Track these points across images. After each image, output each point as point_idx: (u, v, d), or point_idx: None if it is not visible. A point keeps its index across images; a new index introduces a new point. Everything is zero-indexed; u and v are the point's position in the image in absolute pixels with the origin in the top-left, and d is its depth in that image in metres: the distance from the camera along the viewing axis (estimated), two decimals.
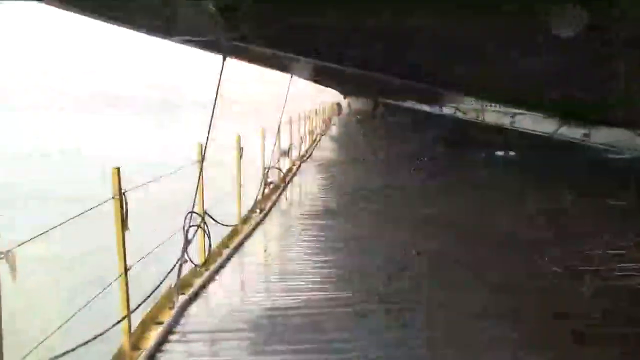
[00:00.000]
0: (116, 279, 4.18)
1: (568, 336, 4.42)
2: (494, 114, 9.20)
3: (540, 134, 6.77)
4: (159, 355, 4.15)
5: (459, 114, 10.87)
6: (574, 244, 6.76)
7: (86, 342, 3.57)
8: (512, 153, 15.59)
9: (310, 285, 5.67)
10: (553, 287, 5.55)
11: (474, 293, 5.21)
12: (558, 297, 5.31)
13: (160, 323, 4.72)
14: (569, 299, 5.22)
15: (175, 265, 5.20)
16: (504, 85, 4.29)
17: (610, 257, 6.21)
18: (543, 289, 5.51)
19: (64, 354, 3.43)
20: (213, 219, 6.35)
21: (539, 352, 4.20)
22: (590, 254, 6.31)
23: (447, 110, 14.46)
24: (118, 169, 4.16)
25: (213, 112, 5.72)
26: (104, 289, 4.11)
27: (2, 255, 2.90)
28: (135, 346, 4.31)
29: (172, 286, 5.21)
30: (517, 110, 7.67)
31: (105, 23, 6.39)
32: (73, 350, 3.49)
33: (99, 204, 4.05)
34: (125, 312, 4.20)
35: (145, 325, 4.69)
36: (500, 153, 15.66)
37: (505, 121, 8.32)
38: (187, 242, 5.33)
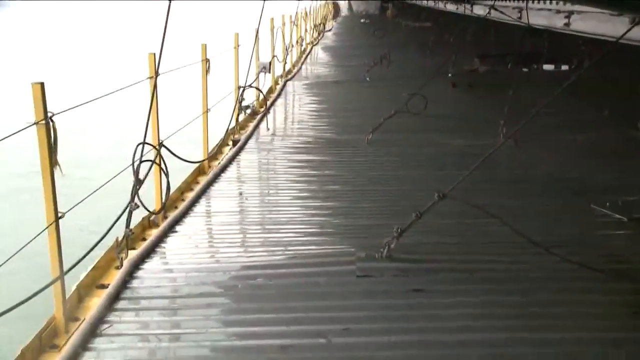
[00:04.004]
0: (44, 229, 4.13)
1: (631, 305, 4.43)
2: (541, 14, 8.99)
3: (604, 38, 6.55)
4: (102, 327, 4.14)
5: (495, 15, 10.65)
6: None
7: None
8: (565, 67, 15.42)
9: (299, 238, 5.67)
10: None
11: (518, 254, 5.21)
12: (620, 251, 5.34)
13: (104, 287, 4.72)
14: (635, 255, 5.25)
15: (123, 213, 5.15)
16: None
17: None
18: (603, 242, 5.54)
19: None
20: (172, 153, 6.28)
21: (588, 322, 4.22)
22: None
23: (479, 10, 14.18)
24: (42, 84, 4.03)
25: (168, 11, 5.54)
26: (29, 242, 4.06)
27: None
28: (72, 316, 4.31)
29: (120, 239, 5.18)
30: (574, 7, 7.44)
31: None
32: None
33: (16, 132, 3.95)
34: (57, 273, 4.16)
35: (84, 290, 4.69)
36: (549, 67, 15.49)
37: (558, 22, 8.12)
38: (138, 181, 5.26)
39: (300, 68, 17.98)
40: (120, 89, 5.70)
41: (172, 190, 6.28)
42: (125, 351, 3.93)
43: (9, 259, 3.92)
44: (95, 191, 5.01)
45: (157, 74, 5.90)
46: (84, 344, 3.92)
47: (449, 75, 14.44)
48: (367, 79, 15.09)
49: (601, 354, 3.85)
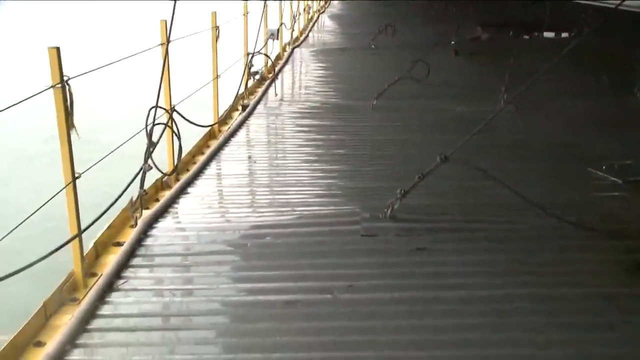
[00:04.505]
0: (62, 189, 4.15)
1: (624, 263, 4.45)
2: None
3: (604, 5, 6.44)
4: (118, 282, 4.19)
5: None
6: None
7: (21, 270, 3.60)
8: (565, 34, 15.27)
9: (306, 199, 5.69)
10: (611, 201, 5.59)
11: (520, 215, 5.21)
12: (615, 211, 5.35)
13: (120, 244, 4.76)
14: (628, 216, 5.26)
15: (137, 174, 5.17)
16: None
17: None
18: (598, 203, 5.54)
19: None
20: (183, 117, 6.27)
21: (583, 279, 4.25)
22: None
23: None
24: (57, 49, 4.02)
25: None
26: (47, 201, 4.09)
27: None
28: (90, 271, 4.36)
29: (134, 199, 5.20)
30: None
31: None
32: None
33: (33, 95, 3.95)
34: (75, 231, 4.20)
35: (101, 247, 4.74)
36: (549, 34, 15.34)
37: None
38: (152, 144, 5.27)
39: (308, 35, 17.84)
40: (133, 55, 5.67)
41: (183, 154, 6.29)
42: (140, 305, 3.98)
43: (28, 217, 3.95)
44: (110, 153, 5.02)
45: (168, 40, 5.88)
46: (101, 298, 3.98)
47: (452, 43, 14.32)
48: (372, 46, 14.99)
49: (595, 309, 3.88)
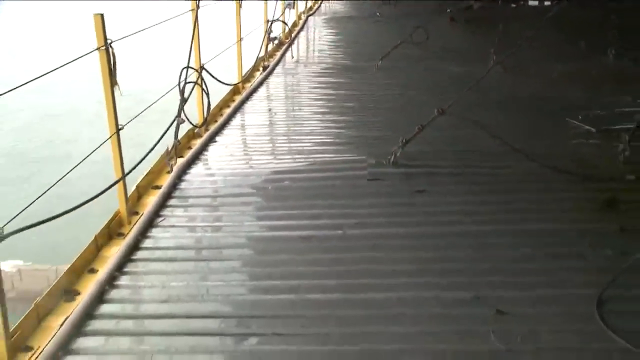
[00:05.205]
0: (107, 139, 4.15)
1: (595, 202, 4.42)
2: None
3: None
4: (157, 220, 4.23)
5: None
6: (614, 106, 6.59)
7: (74, 208, 3.61)
8: (547, 2, 14.93)
9: (319, 147, 5.67)
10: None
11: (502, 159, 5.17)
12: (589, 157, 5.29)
13: (158, 187, 4.78)
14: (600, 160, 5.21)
15: (171, 125, 5.15)
16: None
17: None
18: (575, 149, 5.49)
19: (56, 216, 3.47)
20: (211, 75, 6.21)
21: (559, 216, 4.23)
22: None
23: None
24: (102, 15, 3.97)
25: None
26: (94, 150, 4.10)
27: None
28: (133, 211, 4.39)
29: (170, 148, 5.20)
30: None
31: None
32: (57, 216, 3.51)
33: (81, 56, 3.91)
34: (119, 175, 4.22)
35: (142, 190, 4.76)
36: (534, 2, 15.01)
37: None
38: (184, 99, 5.24)
39: (320, 5, 17.49)
40: (166, 20, 5.60)
41: (212, 107, 6.26)
42: (176, 239, 4.02)
43: (76, 165, 3.95)
44: (148, 107, 4.99)
45: (197, 6, 5.80)
46: (143, 233, 4.02)
47: (448, 11, 14.03)
48: (378, 14, 14.73)
49: (569, 242, 3.88)
